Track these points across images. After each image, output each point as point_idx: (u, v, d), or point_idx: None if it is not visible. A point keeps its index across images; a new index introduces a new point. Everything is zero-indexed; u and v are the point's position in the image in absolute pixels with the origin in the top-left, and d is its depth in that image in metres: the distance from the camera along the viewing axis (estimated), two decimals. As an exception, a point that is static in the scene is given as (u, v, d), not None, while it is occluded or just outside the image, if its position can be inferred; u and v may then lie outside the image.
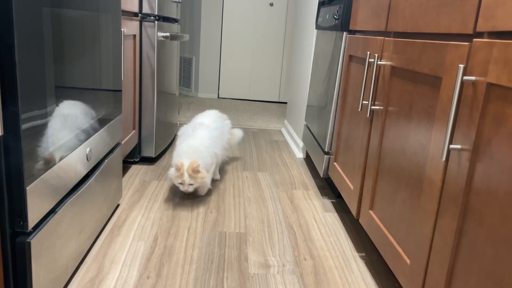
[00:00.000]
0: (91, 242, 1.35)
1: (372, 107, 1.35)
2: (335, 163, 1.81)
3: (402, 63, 1.15)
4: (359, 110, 1.45)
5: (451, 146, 0.85)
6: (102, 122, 1.40)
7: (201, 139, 1.83)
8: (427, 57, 1.00)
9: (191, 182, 1.71)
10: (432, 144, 0.96)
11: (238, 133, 2.34)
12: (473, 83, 0.80)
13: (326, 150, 1.91)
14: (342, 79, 1.79)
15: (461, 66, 0.82)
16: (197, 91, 4.69)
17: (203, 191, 1.88)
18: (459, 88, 0.83)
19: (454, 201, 0.85)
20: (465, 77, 0.81)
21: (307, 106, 2.46)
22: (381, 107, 1.30)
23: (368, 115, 1.37)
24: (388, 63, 1.26)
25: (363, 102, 1.45)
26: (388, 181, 1.23)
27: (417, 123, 1.06)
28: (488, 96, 0.76)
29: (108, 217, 1.54)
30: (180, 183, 1.72)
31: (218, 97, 4.69)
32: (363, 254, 1.49)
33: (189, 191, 1.74)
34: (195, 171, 1.69)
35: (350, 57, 1.70)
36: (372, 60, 1.36)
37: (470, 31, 0.84)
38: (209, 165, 1.83)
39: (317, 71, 2.27)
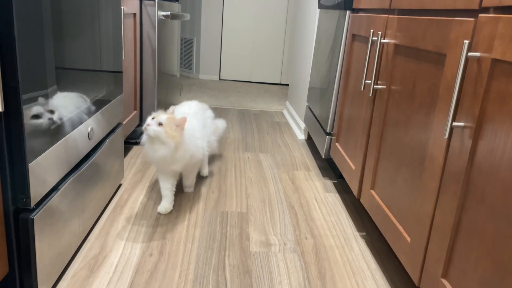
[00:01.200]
0: (94, 220, 1.36)
1: (375, 86, 1.34)
2: (336, 144, 1.81)
3: (406, 41, 1.13)
4: (362, 89, 1.44)
5: (454, 123, 0.84)
6: (103, 101, 1.39)
7: (190, 125, 1.51)
8: (431, 34, 0.99)
9: (163, 122, 1.35)
10: (435, 122, 0.95)
11: (221, 124, 2.02)
12: (478, 59, 0.79)
13: (327, 131, 1.91)
14: (344, 59, 1.77)
15: (466, 42, 0.81)
16: (198, 73, 4.66)
17: (193, 174, 1.65)
18: (463, 64, 0.82)
19: (456, 178, 0.85)
20: (470, 53, 0.80)
21: (309, 87, 2.44)
22: (384, 86, 1.29)
23: (370, 95, 1.36)
24: (391, 41, 1.24)
25: (366, 81, 1.44)
26: (390, 160, 1.23)
27: (420, 101, 1.05)
28: (493, 73, 0.75)
29: (111, 196, 1.55)
30: (153, 118, 1.38)
31: (220, 78, 4.66)
32: (364, 233, 1.50)
33: (149, 133, 1.34)
34: (177, 124, 1.37)
35: (353, 36, 1.68)
36: (376, 38, 1.34)
37: (476, 6, 0.83)
38: (194, 151, 1.49)
39: (319, 52, 2.24)
